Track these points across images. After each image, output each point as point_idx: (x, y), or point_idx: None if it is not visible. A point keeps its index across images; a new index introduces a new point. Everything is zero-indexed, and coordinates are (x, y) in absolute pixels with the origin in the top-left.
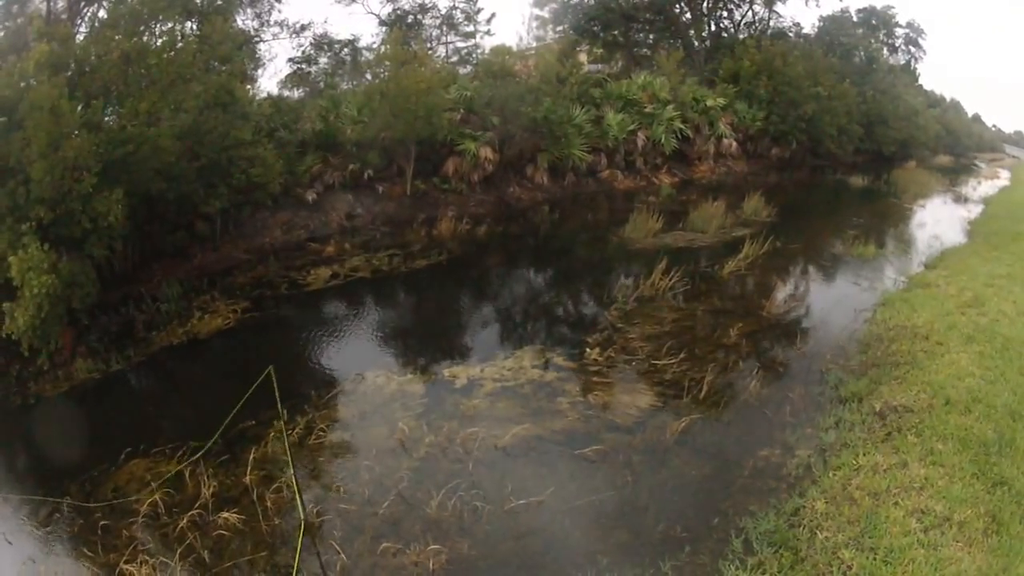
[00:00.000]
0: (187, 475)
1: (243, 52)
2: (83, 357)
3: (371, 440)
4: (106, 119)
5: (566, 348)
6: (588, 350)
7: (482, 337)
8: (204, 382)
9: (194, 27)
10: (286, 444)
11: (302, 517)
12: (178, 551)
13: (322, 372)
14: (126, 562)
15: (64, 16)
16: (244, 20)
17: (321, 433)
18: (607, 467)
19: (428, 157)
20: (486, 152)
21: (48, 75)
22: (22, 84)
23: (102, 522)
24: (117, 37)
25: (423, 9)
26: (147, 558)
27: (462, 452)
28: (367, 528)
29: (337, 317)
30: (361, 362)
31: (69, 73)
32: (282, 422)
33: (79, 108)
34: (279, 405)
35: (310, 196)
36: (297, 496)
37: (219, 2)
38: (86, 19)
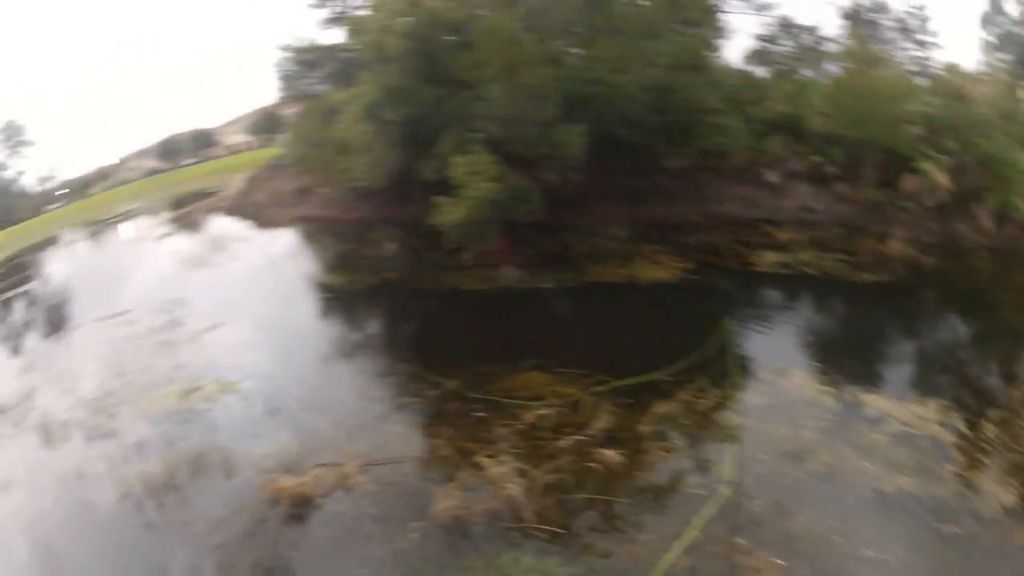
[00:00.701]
0: (582, 403)
1: (711, 19)
2: (513, 266)
3: (769, 436)
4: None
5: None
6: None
7: (903, 372)
8: (630, 324)
9: None
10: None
11: (729, 476)
12: (544, 467)
13: (747, 351)
14: (487, 456)
15: None
16: None
17: (725, 408)
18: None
19: (885, 167)
20: (941, 178)
21: (502, 5)
22: (470, 11)
23: (478, 413)
24: None
25: (880, 8)
26: (508, 459)
27: (843, 484)
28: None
29: (775, 304)
30: (785, 356)
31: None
32: (729, 386)
33: (543, 41)
34: (728, 364)
35: (772, 178)
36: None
37: None
38: None
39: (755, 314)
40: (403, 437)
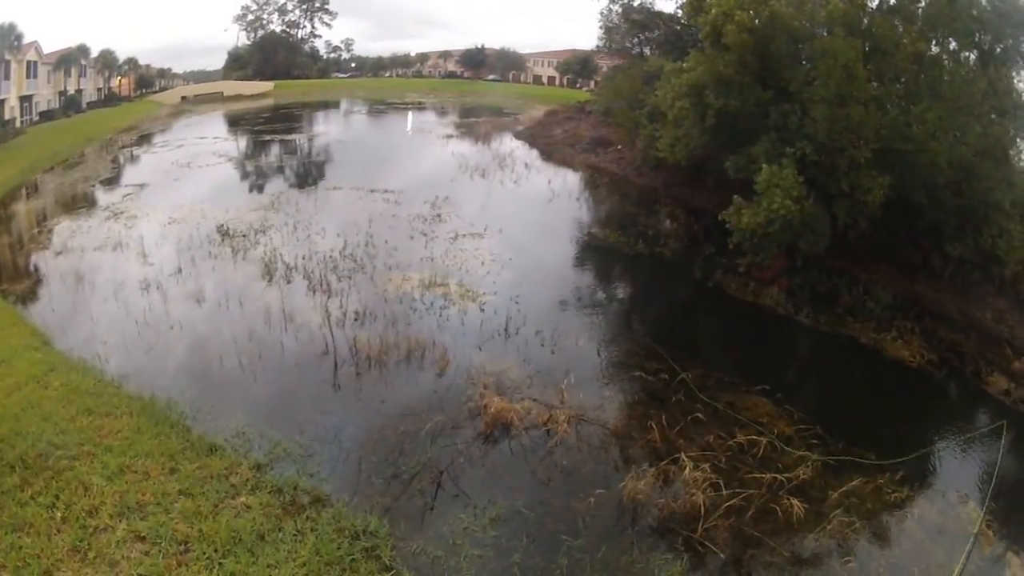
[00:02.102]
0: (793, 445)
1: (1019, 112)
2: (780, 289)
3: None
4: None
5: None
6: None
7: None
8: (864, 391)
9: (975, 62)
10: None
11: None
12: (735, 489)
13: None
14: (689, 457)
15: None
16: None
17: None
18: None
19: None
20: None
21: (842, 32)
22: (812, 26)
23: (698, 414)
24: (913, 34)
25: None
26: (707, 469)
27: None
28: None
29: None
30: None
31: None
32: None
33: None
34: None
35: None
36: None
37: (1000, 48)
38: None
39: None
40: (622, 407)
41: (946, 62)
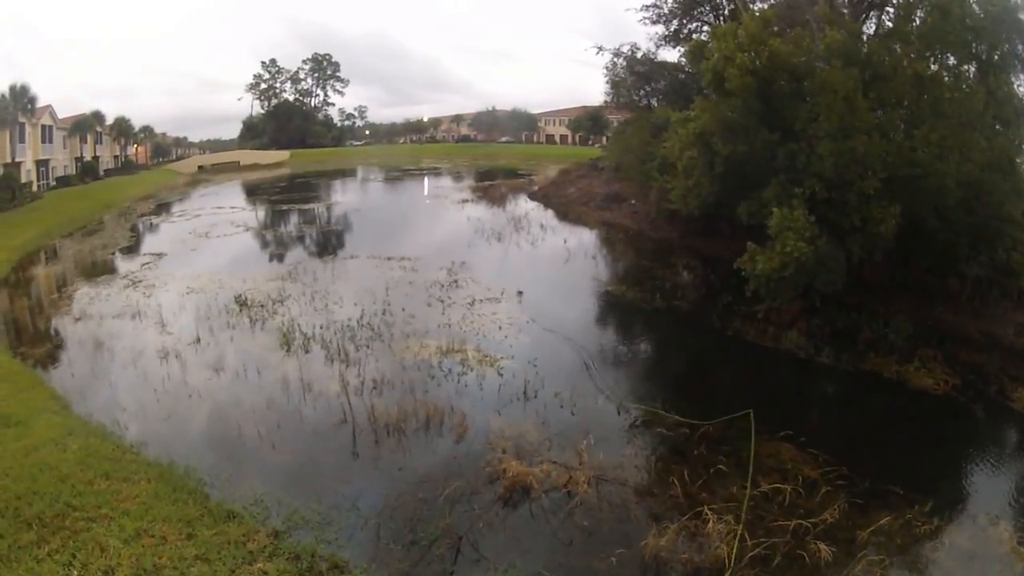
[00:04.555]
0: (818, 489)
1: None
2: (799, 332)
3: None
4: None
5: None
6: None
7: None
8: (889, 427)
9: (974, 74)
10: None
11: None
12: (760, 539)
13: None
14: (712, 509)
15: (845, 11)
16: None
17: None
18: None
19: None
20: None
21: (840, 63)
22: (810, 62)
23: (720, 465)
24: (911, 55)
25: None
26: (730, 521)
27: None
28: None
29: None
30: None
31: (859, 71)
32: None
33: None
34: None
35: None
36: None
37: (997, 55)
38: (870, 22)
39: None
40: (643, 464)
41: (946, 78)
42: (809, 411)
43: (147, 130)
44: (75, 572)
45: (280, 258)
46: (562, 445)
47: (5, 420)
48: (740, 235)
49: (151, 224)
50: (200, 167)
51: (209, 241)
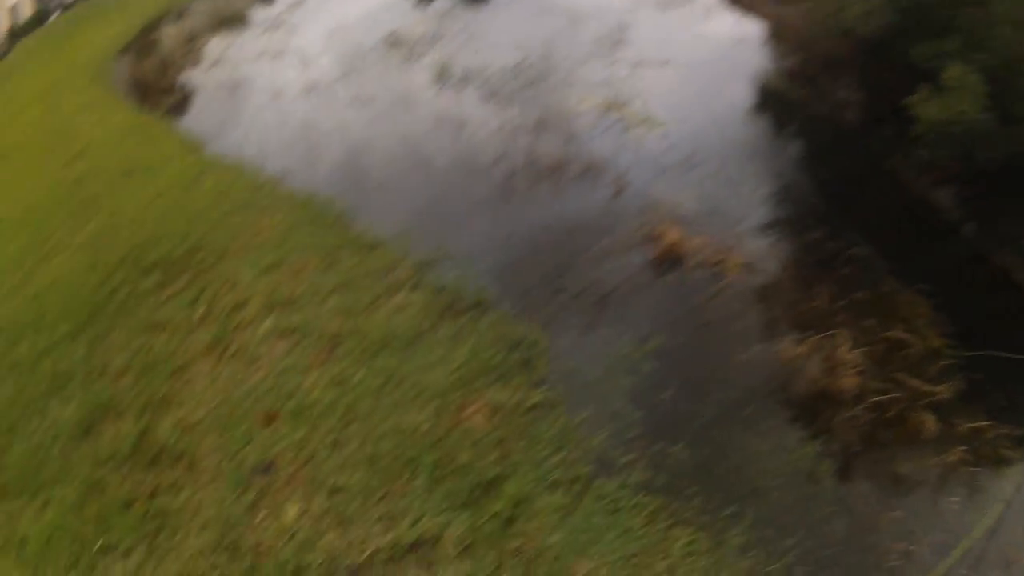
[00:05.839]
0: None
1: None
2: (949, 193)
3: None
4: None
5: None
6: None
7: None
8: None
9: None
10: None
11: None
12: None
13: None
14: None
15: None
16: None
17: None
18: None
19: None
20: None
21: None
22: None
23: (856, 294)
24: None
25: None
26: (866, 353)
27: None
28: None
29: None
30: None
31: None
32: None
33: None
34: None
35: None
36: None
37: None
38: None
39: None
40: (790, 265)
41: None
42: (943, 278)
43: None
44: (199, 310)
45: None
46: (717, 224)
47: (130, 169)
48: (907, 70)
49: None
50: None
51: None
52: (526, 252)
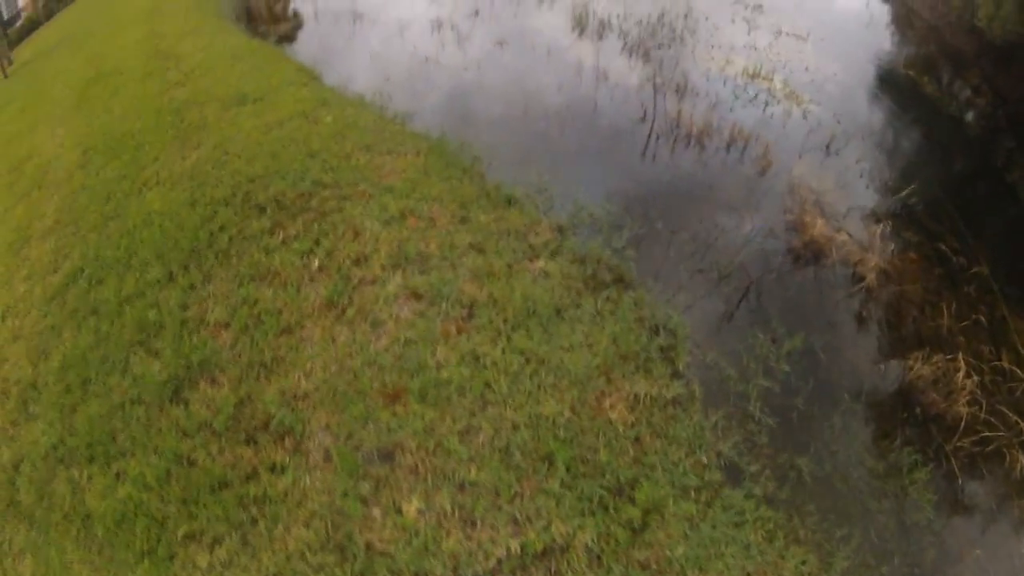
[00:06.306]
0: None
1: None
2: None
3: None
4: None
5: None
6: None
7: None
8: None
9: None
10: None
11: None
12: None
13: None
14: (966, 356)
15: None
16: None
17: None
18: None
19: None
20: None
21: None
22: None
23: (980, 316)
24: None
25: None
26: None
27: None
28: None
29: None
30: None
31: None
32: None
33: None
34: None
35: None
36: None
37: None
38: None
39: None
40: (919, 275)
41: None
42: None
43: None
44: (315, 262)
45: None
46: (855, 219)
47: (241, 97)
48: None
49: None
50: None
51: None
52: (667, 224)
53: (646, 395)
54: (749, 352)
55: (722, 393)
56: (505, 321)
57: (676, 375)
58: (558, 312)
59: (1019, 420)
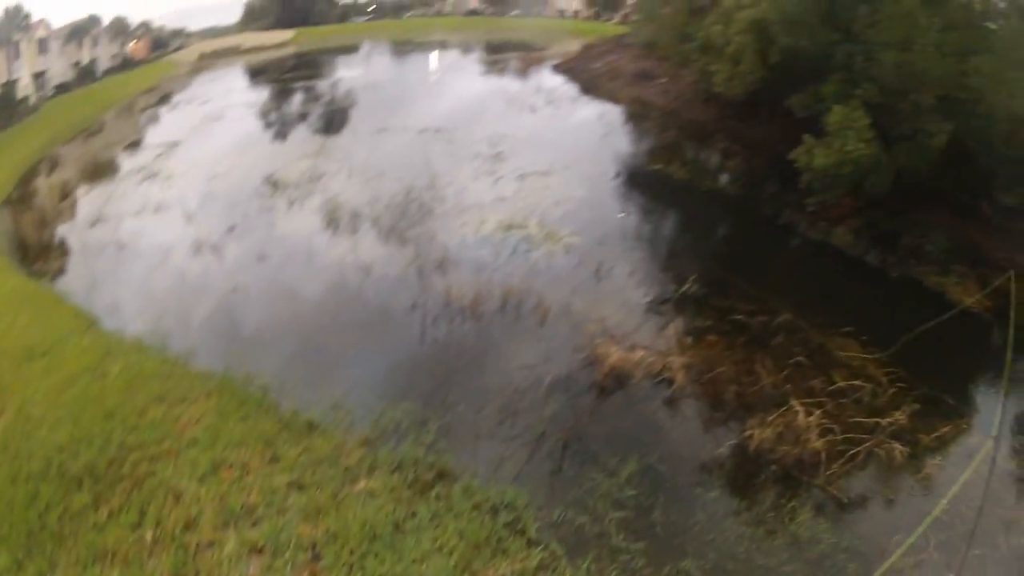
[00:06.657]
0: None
1: None
2: (847, 229)
3: None
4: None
5: None
6: None
7: None
8: (939, 340)
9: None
10: None
11: None
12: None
13: None
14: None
15: None
16: None
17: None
18: None
19: None
20: None
21: None
22: None
23: (796, 358)
24: None
25: None
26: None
27: None
28: None
29: None
30: None
31: None
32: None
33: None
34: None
35: None
36: None
37: None
38: None
39: None
40: (727, 351)
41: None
42: (866, 310)
43: (144, 25)
44: (148, 534)
45: (305, 136)
46: (646, 331)
47: (30, 352)
48: (780, 121)
49: (156, 116)
50: (201, 55)
51: (224, 124)
52: (469, 404)
53: (512, 574)
54: (591, 494)
55: (582, 542)
56: (351, 552)
57: (532, 544)
58: (397, 527)
59: (876, 419)
